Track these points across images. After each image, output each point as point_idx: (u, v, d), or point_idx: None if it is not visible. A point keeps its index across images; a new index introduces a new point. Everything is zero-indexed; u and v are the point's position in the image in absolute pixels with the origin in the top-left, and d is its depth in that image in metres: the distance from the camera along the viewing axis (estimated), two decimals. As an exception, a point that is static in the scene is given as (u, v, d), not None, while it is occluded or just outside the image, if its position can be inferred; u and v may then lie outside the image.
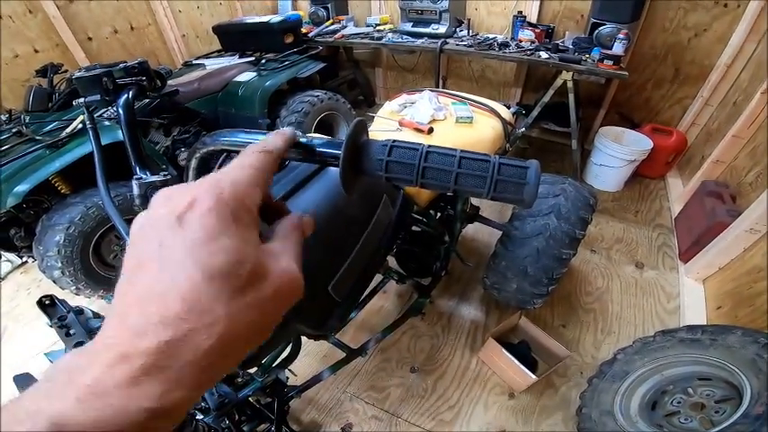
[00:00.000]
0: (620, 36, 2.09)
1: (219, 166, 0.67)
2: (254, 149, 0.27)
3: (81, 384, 0.17)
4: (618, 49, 2.11)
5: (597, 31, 2.28)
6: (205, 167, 0.50)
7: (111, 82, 0.72)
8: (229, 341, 0.20)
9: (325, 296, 0.75)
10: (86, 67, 0.78)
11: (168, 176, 0.74)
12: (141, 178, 0.71)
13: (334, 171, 0.74)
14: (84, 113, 0.75)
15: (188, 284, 0.19)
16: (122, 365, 0.17)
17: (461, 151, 0.31)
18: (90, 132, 0.73)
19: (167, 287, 0.19)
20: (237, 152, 0.46)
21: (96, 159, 0.73)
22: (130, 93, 0.74)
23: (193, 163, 0.49)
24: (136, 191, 0.71)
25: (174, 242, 0.20)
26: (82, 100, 0.74)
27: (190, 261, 0.20)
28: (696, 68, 2.47)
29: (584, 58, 2.24)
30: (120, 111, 0.72)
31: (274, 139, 0.30)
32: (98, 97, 0.73)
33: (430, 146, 0.32)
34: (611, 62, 2.11)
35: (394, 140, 0.32)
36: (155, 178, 0.72)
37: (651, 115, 2.79)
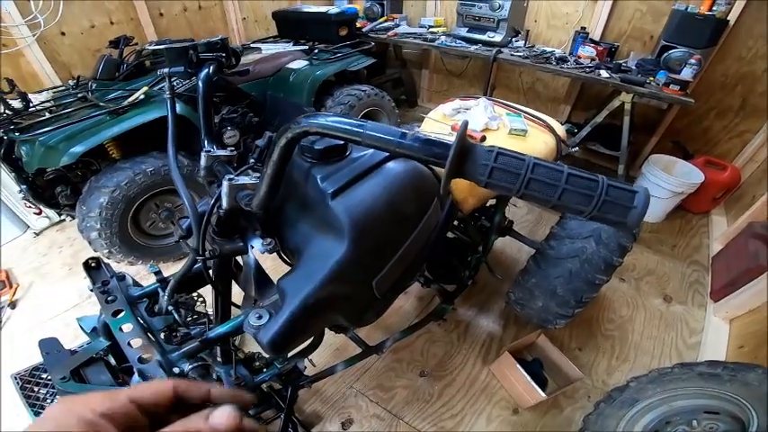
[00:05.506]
0: (692, 61, 1.99)
1: (261, 154, 0.67)
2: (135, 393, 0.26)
3: None
4: (687, 74, 2.02)
5: (666, 54, 2.17)
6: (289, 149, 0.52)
7: (195, 55, 0.77)
8: None
9: (369, 290, 0.75)
10: (156, 41, 0.82)
11: (234, 153, 0.77)
12: (210, 151, 0.75)
13: (392, 166, 0.74)
14: (165, 82, 0.79)
15: None
16: None
17: (569, 167, 0.32)
18: (168, 102, 0.78)
19: None
20: (328, 135, 0.46)
21: (170, 126, 0.77)
22: (211, 67, 0.78)
23: (282, 141, 0.50)
24: (203, 162, 0.75)
25: None
26: (166, 70, 0.79)
27: None
28: (765, 101, 2.31)
29: (647, 80, 2.15)
30: (200, 84, 0.76)
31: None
32: (182, 69, 0.77)
33: (536, 158, 0.32)
34: (677, 87, 2.02)
35: (499, 147, 0.33)
36: (221, 152, 0.76)
37: (707, 147, 2.64)
